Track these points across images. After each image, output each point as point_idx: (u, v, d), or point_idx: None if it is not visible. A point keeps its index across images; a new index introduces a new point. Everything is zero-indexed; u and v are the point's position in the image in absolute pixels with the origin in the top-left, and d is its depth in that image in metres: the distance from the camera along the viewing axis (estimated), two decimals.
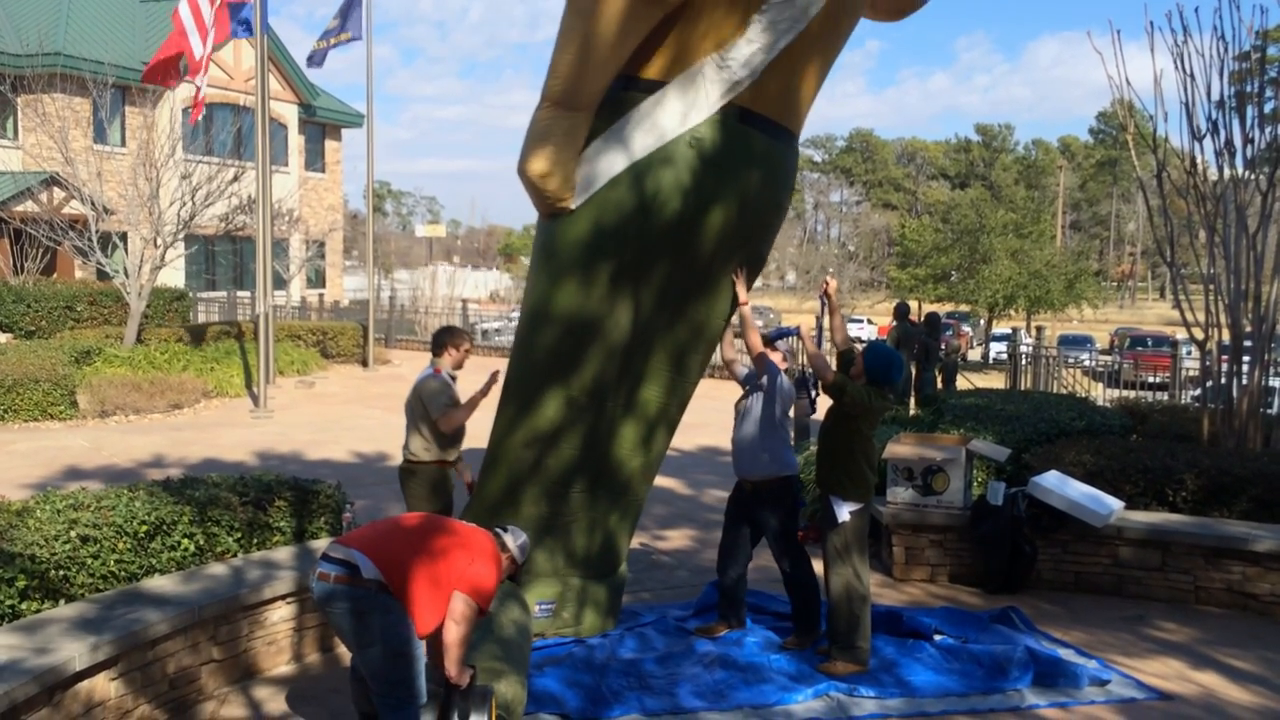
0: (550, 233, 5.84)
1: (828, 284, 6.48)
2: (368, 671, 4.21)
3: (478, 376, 6.68)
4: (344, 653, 6.09)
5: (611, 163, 5.58)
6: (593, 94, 5.41)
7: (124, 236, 19.48)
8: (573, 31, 5.25)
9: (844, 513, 5.81)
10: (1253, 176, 9.71)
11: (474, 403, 6.35)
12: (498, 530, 4.67)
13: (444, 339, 6.51)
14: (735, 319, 6.24)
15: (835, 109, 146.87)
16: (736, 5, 5.37)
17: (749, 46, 5.43)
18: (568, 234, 5.73)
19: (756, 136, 5.66)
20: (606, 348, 5.82)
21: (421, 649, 4.25)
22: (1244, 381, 9.37)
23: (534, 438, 5.99)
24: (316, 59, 20.98)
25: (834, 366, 6.03)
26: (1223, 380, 9.58)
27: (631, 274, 5.71)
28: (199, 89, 16.12)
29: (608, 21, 5.13)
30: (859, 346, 6.20)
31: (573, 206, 5.66)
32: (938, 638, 6.35)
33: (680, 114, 5.52)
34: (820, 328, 6.48)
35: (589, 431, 5.98)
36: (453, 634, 4.24)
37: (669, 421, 6.31)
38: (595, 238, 5.65)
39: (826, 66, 5.96)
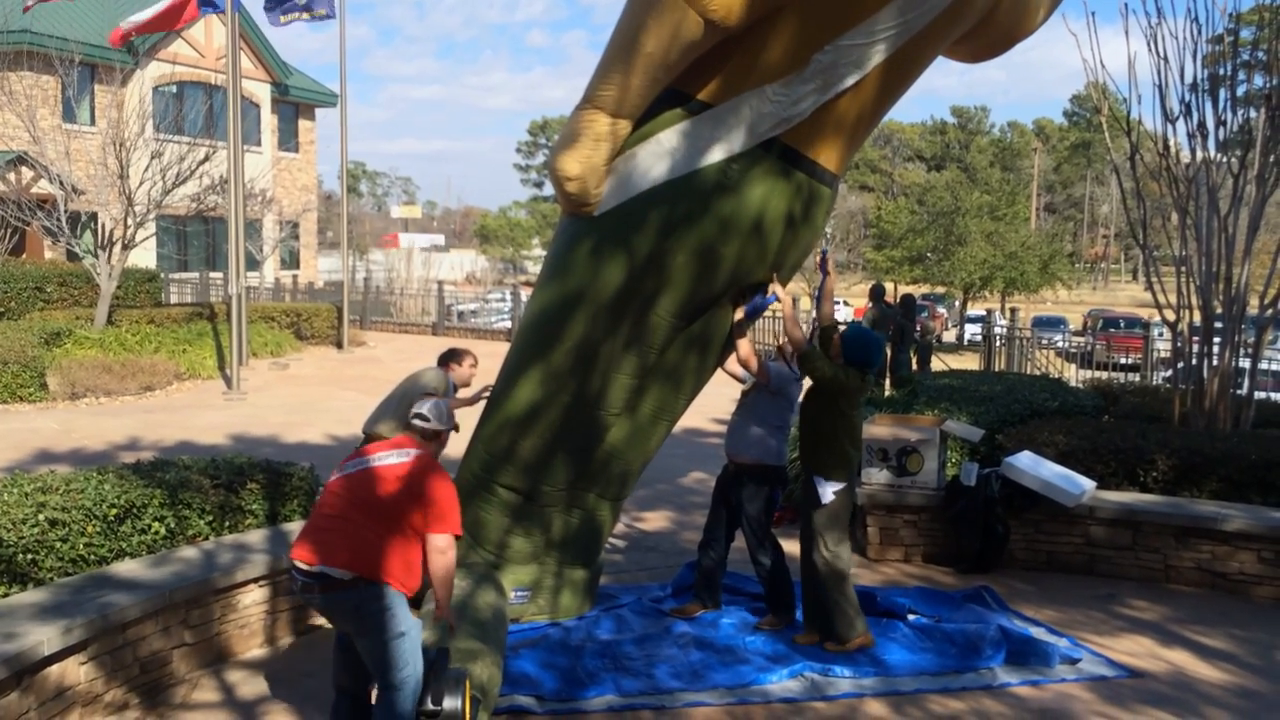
0: (571, 232, 5.76)
1: (826, 258, 6.37)
2: (368, 658, 4.22)
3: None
4: (317, 637, 6.06)
5: (643, 176, 5.45)
6: (637, 105, 5.28)
7: (94, 217, 19.24)
8: (626, 41, 5.11)
9: (828, 493, 5.80)
10: (1225, 159, 9.77)
11: (458, 402, 6.39)
12: (412, 421, 4.52)
13: (448, 356, 6.69)
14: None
15: None
16: (797, 42, 5.19)
17: (803, 86, 5.25)
18: (587, 237, 5.63)
19: (795, 175, 5.49)
20: (603, 352, 5.72)
21: (416, 627, 4.27)
22: (1215, 363, 9.44)
23: (517, 424, 5.92)
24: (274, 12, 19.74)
25: (816, 342, 6.03)
26: (1194, 361, 9.66)
27: (642, 287, 5.58)
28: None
29: (663, 38, 4.99)
30: (842, 327, 6.20)
31: (596, 212, 5.54)
32: (911, 617, 6.39)
33: (721, 140, 5.36)
34: (819, 297, 6.46)
35: (576, 425, 5.90)
36: (439, 572, 4.27)
37: (663, 426, 6.25)
38: (613, 246, 5.55)
39: (881, 113, 5.77)
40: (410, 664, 4.20)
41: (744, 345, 6.06)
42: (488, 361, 6.95)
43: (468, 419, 6.57)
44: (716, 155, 5.37)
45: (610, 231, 5.55)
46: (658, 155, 5.43)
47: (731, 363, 6.37)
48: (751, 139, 5.35)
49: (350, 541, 4.18)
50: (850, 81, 5.26)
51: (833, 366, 5.79)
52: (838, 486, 5.83)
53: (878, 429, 7.90)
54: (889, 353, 15.37)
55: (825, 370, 5.77)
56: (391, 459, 4.35)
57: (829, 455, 5.82)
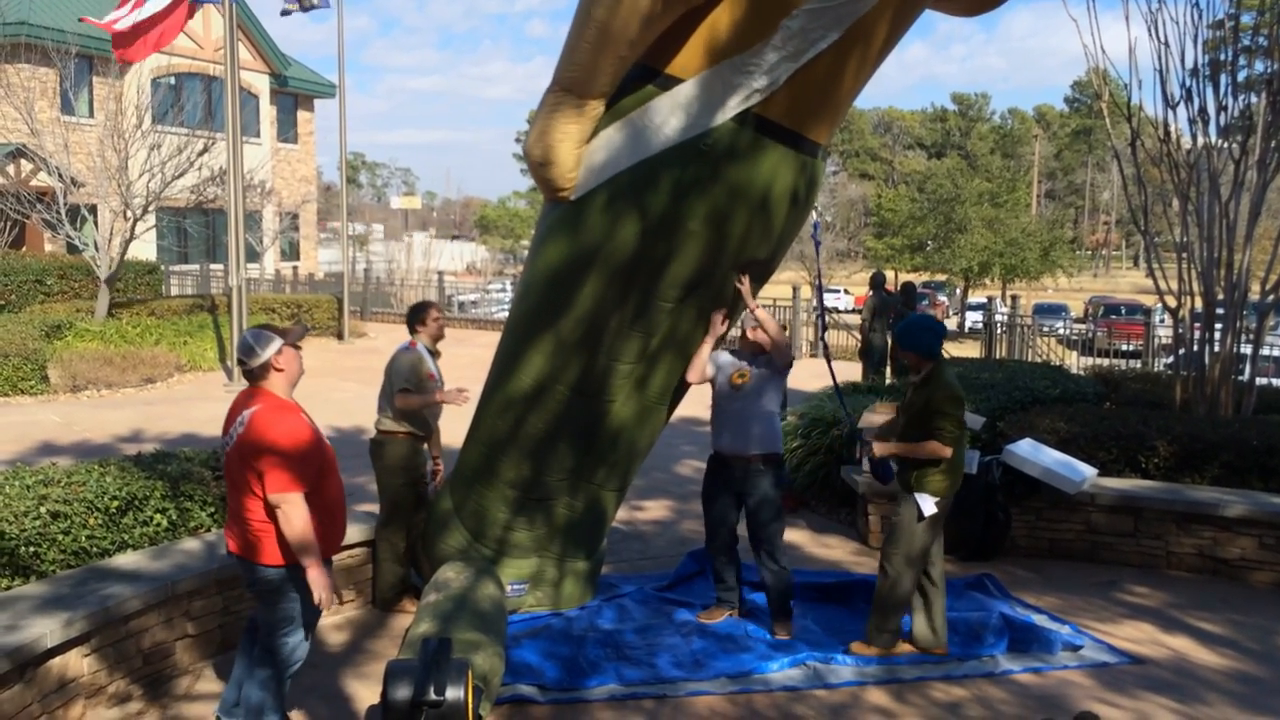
0: (552, 216, 5.68)
1: (818, 230, 6.19)
2: (260, 623, 4.52)
3: (462, 349, 6.63)
4: (319, 629, 6.07)
5: (619, 156, 5.34)
6: (606, 84, 5.17)
7: (93, 209, 19.23)
8: (589, 19, 5.00)
9: (929, 506, 5.52)
10: (1226, 144, 9.74)
11: (434, 400, 6.22)
12: (240, 360, 4.37)
13: (412, 318, 6.45)
14: (747, 320, 6.03)
15: None
16: (765, 8, 5.04)
17: (774, 53, 5.09)
18: (568, 221, 5.53)
19: (775, 147, 5.33)
20: (590, 338, 5.63)
21: (296, 608, 4.40)
22: (1216, 349, 9.44)
23: (519, 405, 5.86)
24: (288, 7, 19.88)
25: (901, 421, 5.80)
26: (1195, 347, 9.65)
27: (626, 269, 5.47)
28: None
29: (626, 13, 4.88)
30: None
31: (572, 197, 5.44)
32: None
33: (696, 115, 5.22)
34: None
35: (582, 403, 5.85)
36: (286, 532, 4.21)
37: (660, 412, 6.17)
38: (594, 229, 5.43)
39: (864, 76, 5.57)
40: (292, 637, 4.42)
41: (769, 319, 5.96)
42: (487, 352, 6.91)
43: (463, 415, 6.57)
44: (691, 132, 5.24)
45: (590, 215, 5.43)
46: (632, 135, 5.31)
47: (696, 373, 6.02)
48: (726, 112, 5.22)
49: (235, 526, 4.38)
50: (824, 45, 5.08)
51: (951, 398, 5.48)
52: (938, 499, 5.56)
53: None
54: (889, 341, 15.37)
55: (959, 414, 5.50)
56: (235, 432, 4.30)
57: (936, 472, 5.52)
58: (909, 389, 5.74)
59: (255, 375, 4.32)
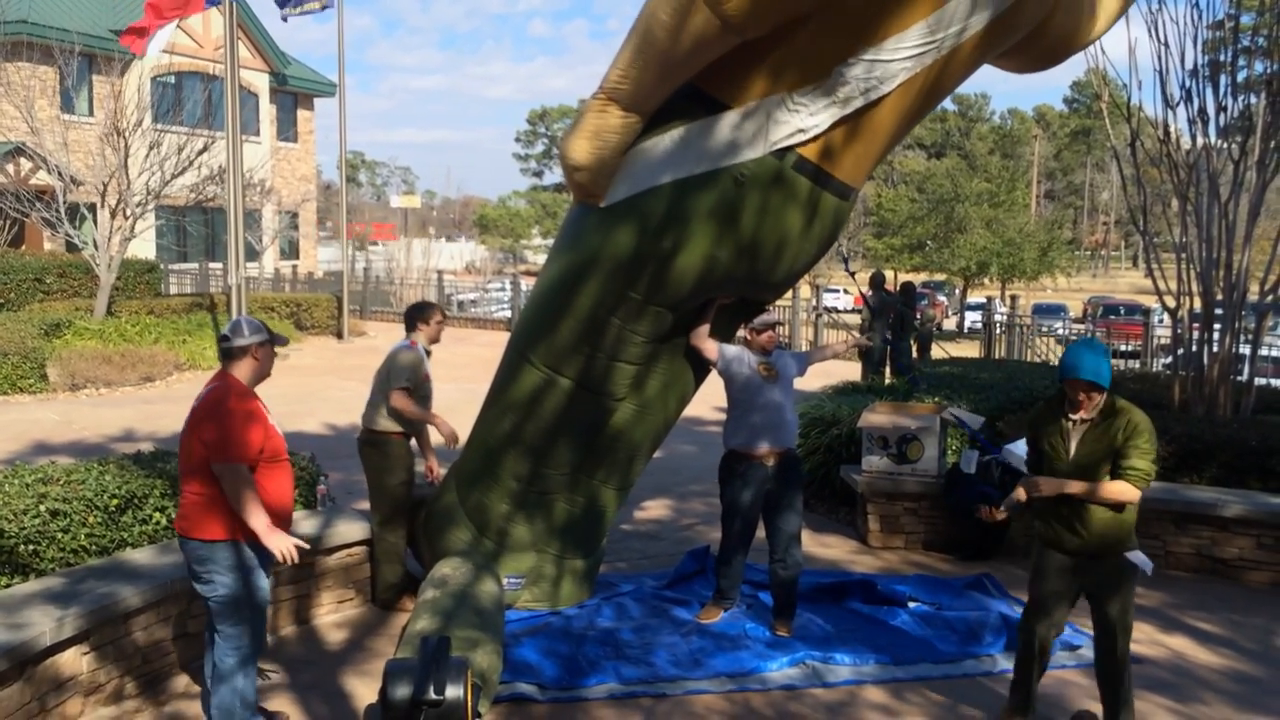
0: (578, 220, 5.69)
1: (847, 263, 6.15)
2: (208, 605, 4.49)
3: (461, 348, 6.63)
4: (318, 625, 6.08)
5: (654, 172, 5.34)
6: (653, 100, 5.18)
7: (93, 208, 19.22)
8: (644, 38, 4.98)
9: (1147, 560, 4.65)
10: (1225, 145, 9.75)
11: (429, 417, 6.19)
12: (224, 335, 4.57)
13: (413, 316, 6.39)
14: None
15: None
16: (821, 51, 5.01)
17: (825, 97, 5.07)
18: (594, 229, 5.55)
19: (808, 186, 5.31)
20: (596, 337, 5.65)
21: (250, 587, 4.42)
22: (1215, 349, 9.44)
23: (521, 405, 5.89)
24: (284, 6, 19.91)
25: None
26: (1194, 348, 9.66)
27: (640, 279, 5.48)
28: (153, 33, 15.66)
29: (682, 39, 4.86)
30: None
31: (603, 204, 5.46)
32: (912, 605, 6.40)
33: (736, 145, 5.21)
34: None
35: (575, 410, 5.85)
36: (233, 502, 4.29)
37: (673, 400, 6.17)
38: (619, 241, 5.43)
39: (909, 127, 5.58)
40: (241, 621, 4.42)
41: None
42: (487, 351, 6.92)
43: (468, 409, 6.58)
44: (729, 160, 5.22)
45: (616, 227, 5.45)
46: (670, 154, 5.31)
47: (700, 339, 5.91)
48: (765, 147, 5.19)
49: (182, 502, 4.42)
50: (874, 96, 5.07)
51: (1150, 442, 4.57)
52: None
53: (878, 417, 7.90)
54: (889, 340, 15.40)
55: (1154, 455, 4.61)
56: (192, 409, 4.45)
57: (1134, 525, 4.69)
58: (1071, 426, 4.74)
59: (230, 355, 4.51)
